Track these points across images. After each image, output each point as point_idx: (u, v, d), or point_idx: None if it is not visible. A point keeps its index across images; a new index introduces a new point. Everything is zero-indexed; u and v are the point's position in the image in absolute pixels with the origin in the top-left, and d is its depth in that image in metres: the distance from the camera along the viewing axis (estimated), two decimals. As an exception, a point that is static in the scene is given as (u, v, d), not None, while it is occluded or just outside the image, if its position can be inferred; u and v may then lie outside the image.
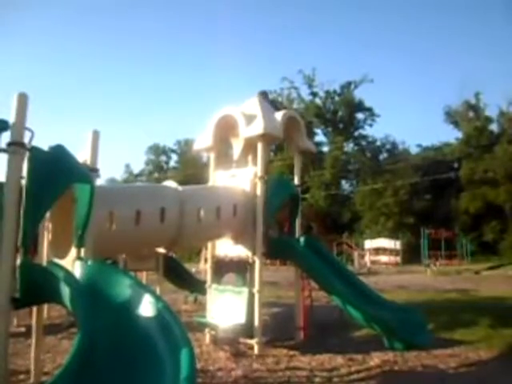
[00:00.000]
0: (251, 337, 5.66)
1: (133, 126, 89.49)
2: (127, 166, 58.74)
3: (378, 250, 32.03)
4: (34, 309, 4.55)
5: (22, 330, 6.30)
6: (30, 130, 3.13)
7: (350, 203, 40.76)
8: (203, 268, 17.25)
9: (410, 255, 30.80)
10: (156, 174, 53.61)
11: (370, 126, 46.11)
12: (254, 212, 5.90)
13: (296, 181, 7.15)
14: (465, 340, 6.15)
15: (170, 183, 5.62)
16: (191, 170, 41.29)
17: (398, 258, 30.81)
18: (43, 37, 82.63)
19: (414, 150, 44.37)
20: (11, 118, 3.08)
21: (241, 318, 5.62)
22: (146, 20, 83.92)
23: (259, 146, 6.06)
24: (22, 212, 3.00)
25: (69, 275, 2.88)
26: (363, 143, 46.20)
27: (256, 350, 5.58)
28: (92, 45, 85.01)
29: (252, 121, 6.09)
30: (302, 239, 6.54)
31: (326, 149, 44.60)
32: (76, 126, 67.57)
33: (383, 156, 45.13)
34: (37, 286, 3.04)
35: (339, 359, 5.31)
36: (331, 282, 5.77)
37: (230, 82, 74.25)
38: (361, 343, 6.12)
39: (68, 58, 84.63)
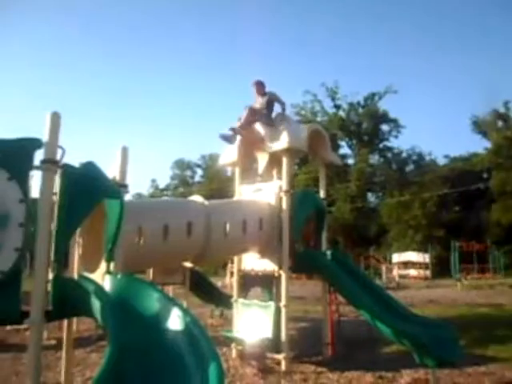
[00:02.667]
0: (278, 352, 5.61)
1: (158, 140, 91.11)
2: (153, 180, 59.69)
3: (406, 264, 31.32)
4: (65, 322, 4.66)
5: (53, 342, 6.41)
6: (61, 147, 3.23)
7: (376, 216, 40.16)
8: (229, 282, 17.31)
9: (440, 269, 30.01)
10: (181, 189, 54.20)
11: (396, 137, 45.56)
12: (279, 226, 5.89)
13: (321, 194, 7.12)
14: (499, 357, 5.93)
15: (197, 198, 5.68)
16: (216, 184, 41.61)
17: (428, 272, 30.03)
18: (73, 52, 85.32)
19: (441, 161, 43.56)
20: (44, 137, 3.18)
21: (267, 333, 5.58)
22: (169, 35, 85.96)
23: (284, 159, 6.08)
24: (54, 227, 3.08)
25: (99, 289, 2.93)
26: (389, 155, 45.62)
27: (283, 366, 5.52)
28: (119, 59, 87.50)
29: (277, 135, 6.12)
30: (328, 253, 6.48)
31: (350, 161, 44.28)
32: (104, 142, 69.45)
33: (409, 168, 44.40)
34: (68, 300, 3.09)
35: (368, 377, 5.19)
36: (359, 296, 5.68)
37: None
38: (390, 360, 5.97)
39: (95, 72, 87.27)
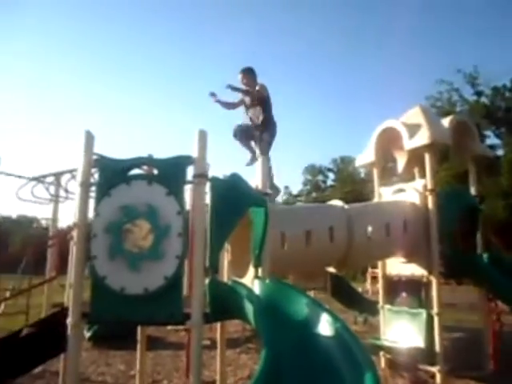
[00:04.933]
0: (432, 363, 5.21)
1: (288, 147, 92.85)
2: (286, 187, 61.02)
3: None
4: (217, 323, 4.98)
5: (208, 342, 6.90)
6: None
7: (538, 213, 35.05)
8: (370, 288, 16.79)
9: None
10: (314, 194, 54.51)
11: (557, 119, 39.40)
12: (426, 228, 5.50)
13: (472, 191, 6.47)
14: None
15: (336, 202, 5.63)
16: (349, 187, 40.92)
17: None
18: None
19: None
20: (194, 153, 3.45)
21: (419, 343, 5.24)
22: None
23: (427, 156, 5.67)
24: (208, 236, 3.32)
25: (251, 293, 3.06)
26: (549, 141, 39.64)
27: (438, 380, 5.11)
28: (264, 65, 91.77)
29: (416, 131, 5.75)
30: (485, 256, 5.85)
31: (500, 152, 39.52)
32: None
33: None
34: (223, 303, 3.29)
35: (544, 398, 4.53)
36: (527, 304, 5.01)
37: (379, 93, 72.01)
38: None
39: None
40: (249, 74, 5.30)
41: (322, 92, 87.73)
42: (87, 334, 7.85)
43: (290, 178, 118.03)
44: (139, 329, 5.25)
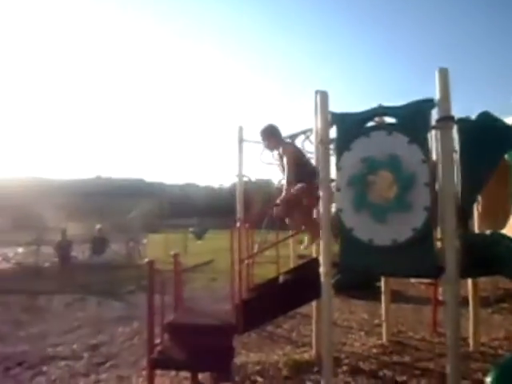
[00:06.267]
0: None
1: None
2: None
3: None
4: (468, 280, 4.62)
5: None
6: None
7: None
8: None
9: None
10: None
11: None
12: None
13: None
14: None
15: None
16: None
17: None
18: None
19: None
20: (436, 95, 3.14)
21: None
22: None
23: None
24: (459, 185, 3.03)
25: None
26: None
27: None
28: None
29: None
30: None
31: None
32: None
33: None
34: (481, 256, 3.00)
35: None
36: None
37: None
38: None
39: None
40: (269, 135, 4.55)
41: None
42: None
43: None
44: (383, 280, 5.30)
